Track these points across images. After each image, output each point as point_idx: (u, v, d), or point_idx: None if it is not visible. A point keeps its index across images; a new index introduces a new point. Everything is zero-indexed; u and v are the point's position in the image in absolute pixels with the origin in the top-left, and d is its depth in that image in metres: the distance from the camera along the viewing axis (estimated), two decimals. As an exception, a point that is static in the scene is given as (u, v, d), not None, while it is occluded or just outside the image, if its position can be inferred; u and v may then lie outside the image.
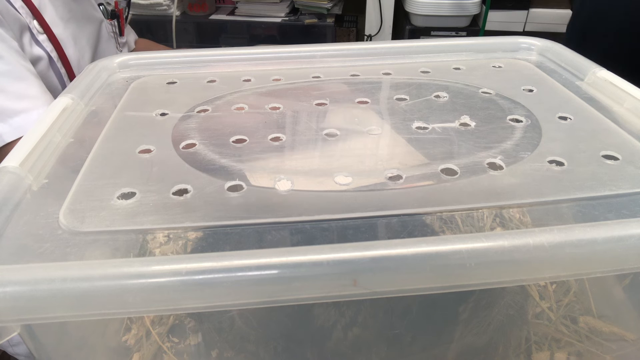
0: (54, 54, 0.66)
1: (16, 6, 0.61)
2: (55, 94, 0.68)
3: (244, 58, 0.51)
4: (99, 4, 0.79)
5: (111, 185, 0.31)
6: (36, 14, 0.64)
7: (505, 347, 0.39)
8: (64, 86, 0.69)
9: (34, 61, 0.65)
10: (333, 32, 1.61)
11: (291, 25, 1.60)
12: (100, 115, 0.41)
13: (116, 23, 0.83)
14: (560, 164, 0.33)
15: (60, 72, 0.68)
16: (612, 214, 0.29)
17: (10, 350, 0.70)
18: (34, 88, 0.59)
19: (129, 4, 0.88)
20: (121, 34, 0.85)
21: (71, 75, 0.69)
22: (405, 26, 1.58)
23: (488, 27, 1.52)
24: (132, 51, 0.93)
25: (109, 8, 0.82)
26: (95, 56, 0.77)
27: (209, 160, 0.35)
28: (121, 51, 0.85)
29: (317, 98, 0.44)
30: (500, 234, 0.24)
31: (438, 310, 0.36)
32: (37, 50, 0.65)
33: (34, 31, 0.64)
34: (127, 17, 0.89)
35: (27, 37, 0.63)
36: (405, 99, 0.43)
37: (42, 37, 0.65)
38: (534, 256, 0.24)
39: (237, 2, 1.63)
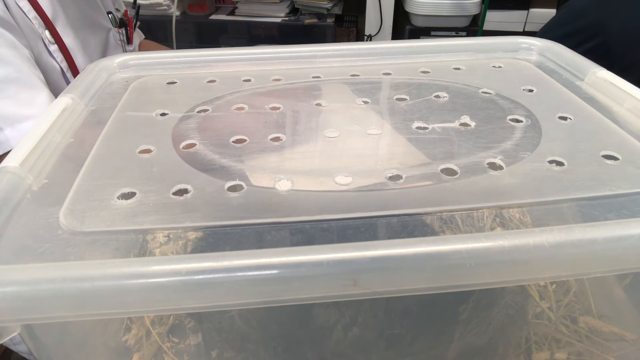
0: (64, 64, 0.66)
1: (30, 17, 0.62)
2: None
3: (244, 58, 0.51)
4: (108, 12, 0.79)
5: (111, 185, 0.31)
6: (48, 24, 0.64)
7: (505, 347, 0.39)
8: None
9: (48, 72, 0.65)
10: (333, 32, 1.61)
11: (291, 25, 1.60)
12: (100, 115, 0.41)
13: (124, 31, 0.83)
14: (560, 164, 0.33)
15: (70, 82, 0.68)
16: (612, 214, 0.29)
17: (13, 348, 0.70)
18: (43, 95, 0.59)
19: (137, 12, 0.89)
20: (129, 42, 0.85)
21: None
22: (405, 26, 1.58)
23: (489, 27, 1.52)
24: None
25: (119, 16, 0.82)
26: None
27: (209, 160, 0.35)
28: None
29: (317, 98, 0.44)
30: (500, 234, 0.24)
31: (438, 310, 0.36)
32: (49, 61, 0.65)
33: (46, 41, 0.64)
34: (135, 24, 0.89)
35: (41, 47, 0.64)
36: (405, 99, 0.43)
37: (53, 48, 0.65)
38: (534, 256, 0.24)
39: (237, 2, 1.63)
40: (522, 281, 0.35)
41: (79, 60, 0.69)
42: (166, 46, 1.03)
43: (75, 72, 0.68)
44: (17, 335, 0.24)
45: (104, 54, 0.78)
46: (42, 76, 0.61)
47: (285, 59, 0.51)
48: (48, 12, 0.64)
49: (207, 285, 0.22)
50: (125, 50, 0.84)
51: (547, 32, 0.97)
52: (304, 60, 0.51)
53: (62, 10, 0.67)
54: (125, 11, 0.84)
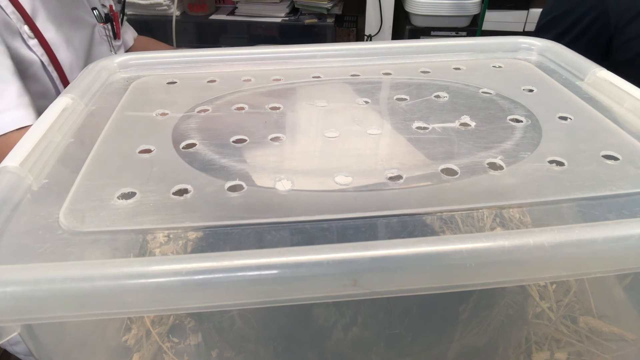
0: (44, 58, 0.67)
1: (7, 11, 0.62)
2: (48, 97, 0.69)
3: (244, 58, 0.51)
4: (93, 8, 0.80)
5: (111, 185, 0.31)
6: (27, 19, 0.65)
7: (505, 347, 0.39)
8: (56, 89, 0.70)
9: (26, 65, 0.66)
10: (333, 32, 1.61)
11: (291, 25, 1.60)
12: (100, 115, 0.41)
13: (110, 27, 0.83)
14: (560, 164, 0.33)
15: (52, 76, 0.68)
16: (612, 214, 0.29)
17: (10, 349, 0.70)
18: (13, 89, 0.60)
19: (123, 7, 0.89)
20: (116, 37, 0.85)
21: (63, 79, 0.70)
22: (405, 26, 1.58)
23: (489, 27, 1.52)
24: (130, 49, 0.94)
25: (104, 11, 0.82)
26: (88, 59, 0.78)
27: (209, 160, 0.35)
28: (115, 54, 0.85)
29: (317, 98, 0.44)
30: (500, 234, 0.24)
31: (438, 310, 0.36)
32: (29, 54, 0.66)
33: (24, 36, 0.65)
34: (122, 20, 0.89)
35: (18, 41, 0.64)
36: (405, 99, 0.43)
37: (33, 42, 0.66)
38: (534, 256, 0.24)
39: (237, 2, 1.63)
40: (522, 281, 0.35)
41: (61, 55, 0.70)
42: (164, 43, 1.02)
43: (57, 66, 0.69)
44: (14, 336, 0.24)
45: (89, 49, 0.78)
46: (14, 69, 0.62)
47: (285, 59, 0.51)
48: (27, 7, 0.65)
49: (207, 285, 0.22)
50: (112, 46, 0.84)
51: (543, 18, 0.96)
52: (304, 60, 0.51)
53: (43, 6, 0.68)
54: (111, 6, 0.84)
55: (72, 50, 0.72)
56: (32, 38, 0.65)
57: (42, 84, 0.68)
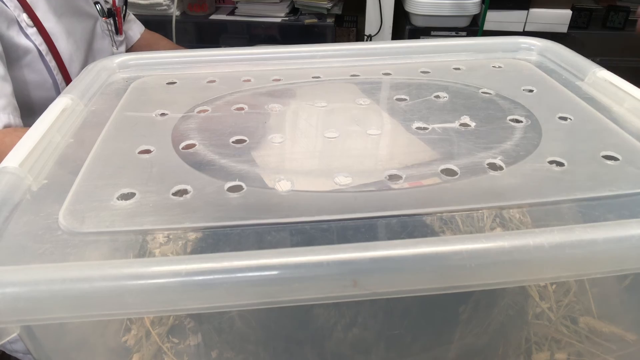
0: (42, 47, 0.67)
1: (4, 0, 0.62)
2: (45, 86, 0.69)
3: (244, 58, 0.51)
4: (95, 2, 0.80)
5: (111, 186, 0.31)
6: (26, 8, 0.65)
7: (505, 348, 0.39)
8: (54, 79, 0.70)
9: (21, 54, 0.66)
10: (333, 32, 1.61)
11: (291, 25, 1.60)
12: (100, 115, 0.41)
13: (112, 21, 0.83)
14: (560, 164, 0.33)
15: (50, 66, 0.69)
16: (612, 214, 0.29)
17: (8, 347, 0.70)
18: None
19: (126, 2, 0.89)
20: (118, 32, 0.85)
21: (62, 69, 0.70)
22: (405, 26, 1.58)
23: (489, 27, 1.52)
24: (135, 43, 0.94)
25: (107, 7, 0.82)
26: (89, 52, 0.78)
27: (209, 160, 0.35)
28: (117, 49, 0.85)
29: (317, 98, 0.44)
30: (500, 235, 0.24)
31: (438, 310, 0.36)
32: (26, 42, 0.66)
33: (23, 24, 0.65)
34: (124, 15, 0.89)
35: (14, 30, 0.65)
36: (405, 99, 0.43)
37: (32, 30, 0.66)
38: (534, 257, 0.24)
39: (237, 2, 1.63)
40: (522, 282, 0.34)
41: (61, 45, 0.70)
42: (169, 40, 1.02)
43: (56, 55, 0.69)
44: (13, 336, 0.24)
45: (91, 42, 0.79)
46: None
47: (285, 59, 0.51)
48: None
49: (207, 286, 0.22)
50: (113, 41, 0.84)
51: None
52: (304, 60, 0.51)
53: None
54: (113, 1, 0.85)
55: (73, 41, 0.73)
56: (31, 26, 0.66)
57: (38, 74, 0.68)
